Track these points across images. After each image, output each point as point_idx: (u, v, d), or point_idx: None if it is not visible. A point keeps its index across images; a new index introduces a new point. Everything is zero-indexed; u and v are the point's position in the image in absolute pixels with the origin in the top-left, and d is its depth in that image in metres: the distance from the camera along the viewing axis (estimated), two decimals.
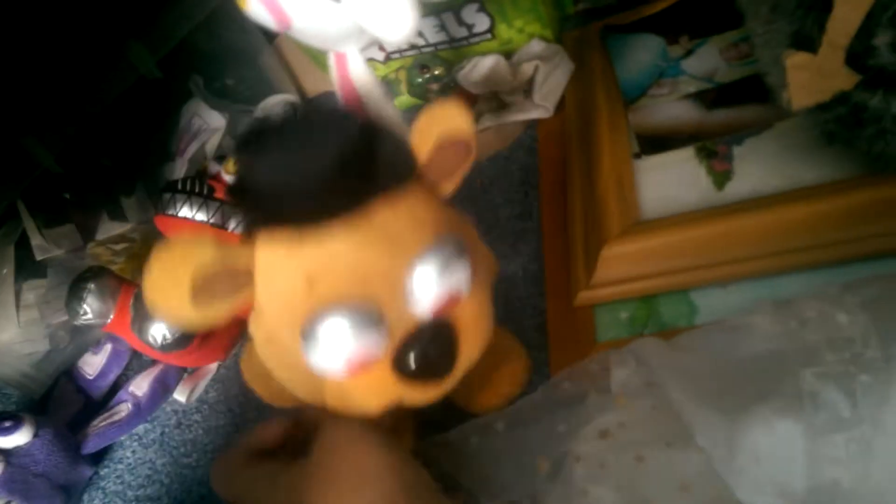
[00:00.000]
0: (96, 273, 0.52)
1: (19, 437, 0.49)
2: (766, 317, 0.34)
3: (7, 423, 0.48)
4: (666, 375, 0.32)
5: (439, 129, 0.30)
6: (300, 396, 0.34)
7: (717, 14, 0.50)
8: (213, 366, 0.56)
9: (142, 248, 0.62)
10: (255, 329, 0.33)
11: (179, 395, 0.55)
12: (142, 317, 0.50)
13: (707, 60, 0.50)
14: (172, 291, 0.27)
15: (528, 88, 0.57)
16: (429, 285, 0.29)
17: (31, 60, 0.52)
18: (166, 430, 0.55)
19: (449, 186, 0.33)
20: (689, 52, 0.51)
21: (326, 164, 0.27)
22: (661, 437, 0.31)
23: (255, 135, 0.29)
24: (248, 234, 0.30)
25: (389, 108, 0.43)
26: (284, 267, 0.29)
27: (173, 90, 0.61)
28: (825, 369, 0.28)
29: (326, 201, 0.28)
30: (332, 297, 0.28)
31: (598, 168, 0.47)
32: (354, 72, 0.39)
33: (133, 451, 0.56)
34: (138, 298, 0.50)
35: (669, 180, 0.45)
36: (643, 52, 0.54)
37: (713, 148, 0.45)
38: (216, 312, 0.29)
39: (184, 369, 0.57)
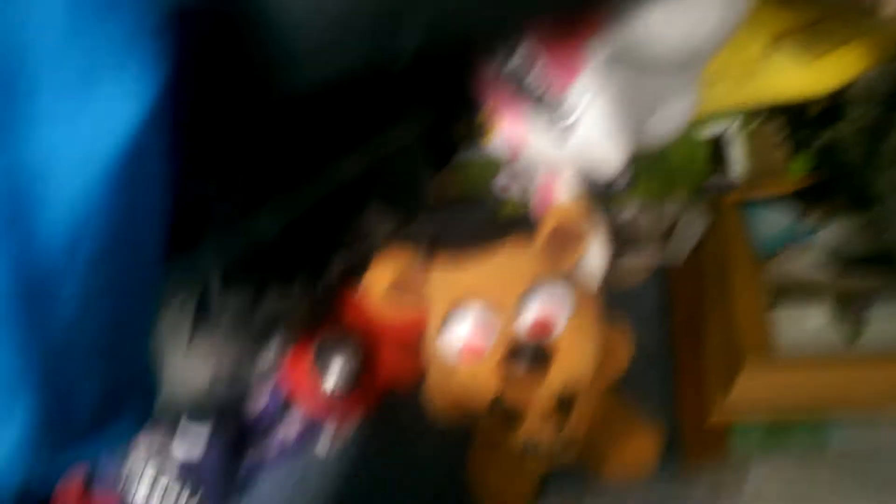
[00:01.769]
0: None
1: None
2: None
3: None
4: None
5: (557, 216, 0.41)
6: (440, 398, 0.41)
7: (848, 195, 0.58)
8: (352, 426, 0.61)
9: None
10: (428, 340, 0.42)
11: (321, 450, 0.60)
12: (322, 360, 0.56)
13: (842, 232, 0.56)
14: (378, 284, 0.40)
15: (662, 238, 0.65)
16: (530, 310, 0.38)
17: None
18: (306, 475, 0.59)
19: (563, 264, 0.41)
20: (821, 225, 0.58)
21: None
22: None
23: None
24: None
25: None
26: (442, 282, 0.40)
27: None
28: None
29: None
30: (466, 299, 0.39)
31: (735, 307, 0.52)
32: (557, 191, 0.48)
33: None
34: (324, 338, 0.57)
35: (802, 332, 0.50)
36: (776, 219, 0.61)
37: (846, 307, 0.50)
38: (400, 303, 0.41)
39: (324, 425, 0.62)
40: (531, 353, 0.38)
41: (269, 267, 0.67)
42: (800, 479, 0.38)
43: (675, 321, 0.58)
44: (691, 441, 0.48)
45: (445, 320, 0.39)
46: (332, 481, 0.58)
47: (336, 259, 0.68)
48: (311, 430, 0.61)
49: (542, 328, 0.39)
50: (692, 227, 0.64)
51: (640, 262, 0.64)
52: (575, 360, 0.39)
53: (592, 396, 0.47)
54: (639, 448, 0.45)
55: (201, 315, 0.66)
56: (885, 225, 0.54)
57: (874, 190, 0.54)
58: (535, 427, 0.45)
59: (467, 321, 0.38)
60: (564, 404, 0.44)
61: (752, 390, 0.46)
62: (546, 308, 0.38)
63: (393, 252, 0.41)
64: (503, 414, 0.43)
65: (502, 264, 0.39)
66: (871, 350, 0.46)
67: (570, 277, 0.41)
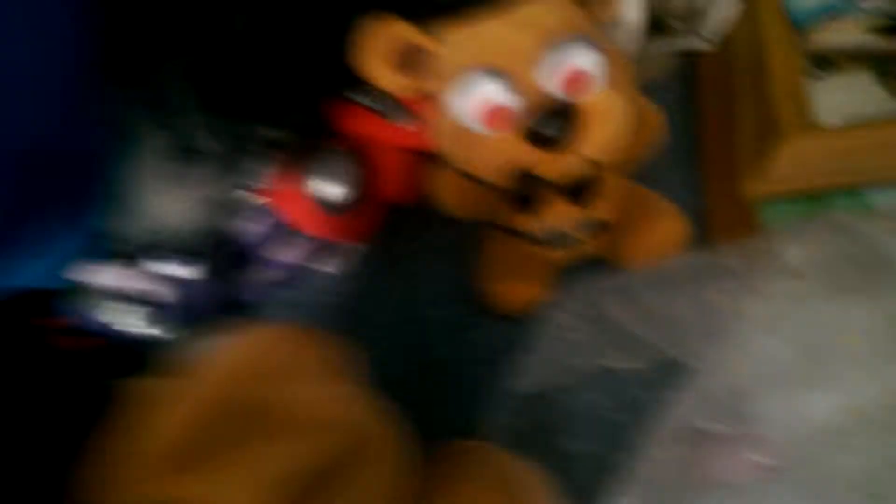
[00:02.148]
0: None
1: (193, 272, 0.54)
2: None
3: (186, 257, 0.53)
4: (863, 229, 0.34)
5: None
6: (459, 164, 0.39)
7: None
8: (360, 246, 0.60)
9: None
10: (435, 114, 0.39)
11: (330, 268, 0.59)
12: (315, 171, 0.53)
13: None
14: (378, 61, 0.36)
15: (689, 18, 0.59)
16: (559, 64, 0.34)
17: None
18: (314, 297, 0.59)
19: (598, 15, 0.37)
20: None
21: None
22: (857, 277, 0.32)
23: None
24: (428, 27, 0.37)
25: None
26: (452, 44, 0.36)
27: None
28: None
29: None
30: (481, 62, 0.35)
31: (771, 81, 0.48)
32: None
33: (279, 314, 0.60)
34: (311, 156, 0.54)
35: (847, 99, 0.46)
36: None
37: (890, 70, 0.46)
38: (408, 82, 0.37)
39: (331, 245, 0.61)
40: (563, 113, 0.35)
41: (258, 103, 0.62)
42: (842, 241, 0.36)
43: (703, 110, 0.55)
44: (721, 223, 0.46)
45: (465, 81, 0.35)
46: (342, 300, 0.57)
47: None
48: (316, 252, 0.59)
49: (575, 83, 0.35)
50: (725, 7, 0.58)
51: (669, 48, 0.59)
52: (610, 123, 0.36)
53: (620, 177, 0.45)
54: (666, 232, 0.44)
55: (186, 147, 0.63)
56: None
57: None
58: (560, 210, 0.43)
59: (491, 79, 0.34)
60: (591, 183, 0.42)
61: (790, 161, 0.44)
62: (579, 61, 0.34)
63: (387, 22, 0.36)
64: (526, 194, 0.41)
65: (529, 15, 0.34)
66: None
67: (605, 31, 0.36)
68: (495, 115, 0.35)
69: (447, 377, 0.46)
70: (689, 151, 0.53)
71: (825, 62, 0.49)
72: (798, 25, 0.53)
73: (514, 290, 0.45)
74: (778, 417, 0.32)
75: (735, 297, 0.37)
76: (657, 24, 0.61)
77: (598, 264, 0.46)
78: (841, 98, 0.46)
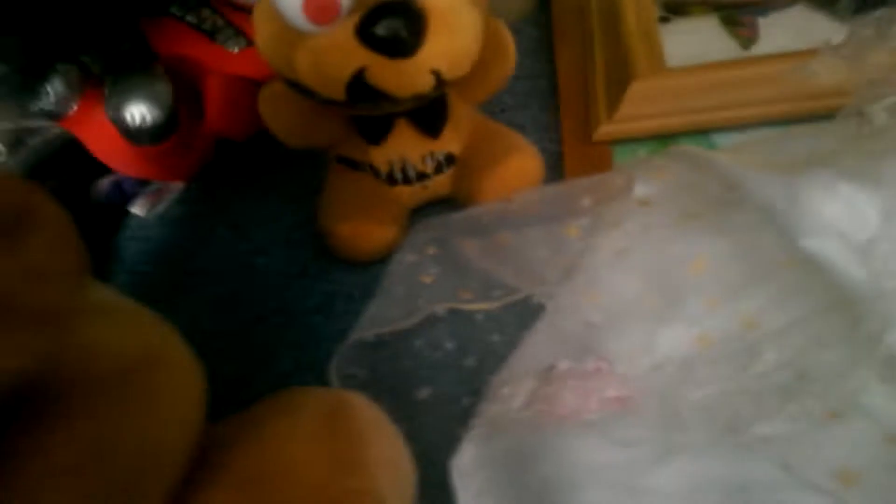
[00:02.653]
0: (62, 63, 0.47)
1: None
2: (801, 130, 0.35)
3: None
4: (711, 157, 0.32)
5: None
6: (286, 73, 0.33)
7: None
8: (177, 185, 0.52)
9: None
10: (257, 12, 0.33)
11: (139, 209, 0.50)
12: (120, 94, 0.45)
13: None
14: None
15: None
16: None
17: None
18: (121, 240, 0.50)
19: None
20: None
21: None
22: (705, 205, 0.31)
23: None
24: None
25: None
26: None
27: None
28: (886, 142, 0.28)
29: None
30: None
31: (623, 24, 0.47)
32: None
33: None
34: (117, 78, 0.45)
35: (694, 42, 0.46)
36: None
37: (738, 17, 0.46)
38: None
39: (144, 183, 0.52)
40: (402, 11, 0.30)
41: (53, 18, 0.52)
42: (688, 171, 0.35)
43: (559, 53, 0.52)
44: (575, 164, 0.44)
45: None
46: (159, 247, 0.49)
47: None
48: (119, 189, 0.50)
49: None
50: None
51: None
52: (456, 32, 0.32)
53: (471, 107, 0.41)
54: (519, 169, 0.40)
55: None
56: None
57: None
58: (406, 138, 0.38)
59: None
60: (439, 108, 0.38)
61: (642, 101, 0.42)
62: None
63: None
64: (364, 110, 0.35)
65: None
66: (759, 55, 0.43)
67: None
68: (321, 6, 0.30)
69: (284, 329, 0.40)
70: (545, 94, 0.50)
71: (676, 7, 0.49)
72: None
73: (358, 232, 0.39)
74: (628, 351, 0.29)
75: (587, 231, 0.35)
76: None
77: (448, 207, 0.42)
78: (689, 42, 0.46)
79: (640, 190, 0.35)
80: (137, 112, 0.45)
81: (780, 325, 0.27)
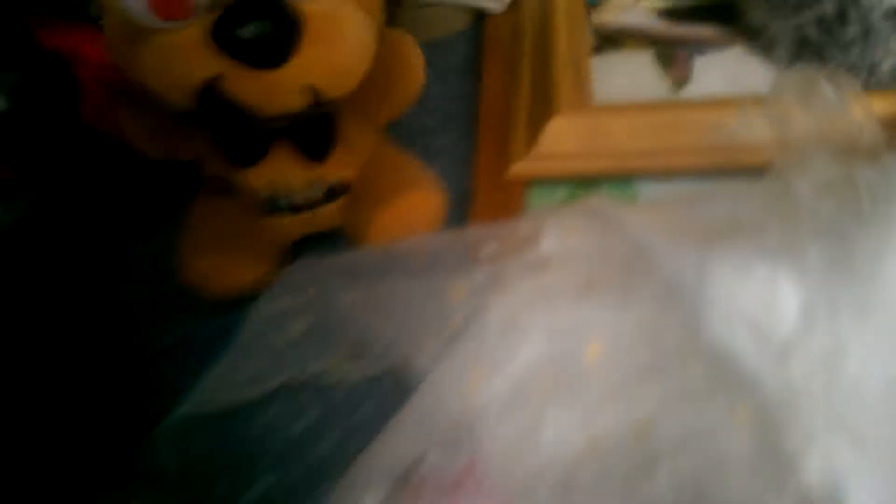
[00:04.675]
0: None
1: None
2: (723, 190, 0.31)
3: None
4: (621, 219, 0.28)
5: None
6: (134, 75, 0.28)
7: None
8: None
9: None
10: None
11: None
12: None
13: None
14: None
15: None
16: None
17: None
18: None
19: None
20: None
21: None
22: (611, 273, 0.27)
23: None
24: None
25: None
26: None
27: None
28: (812, 222, 0.24)
29: None
30: None
31: (553, 52, 0.43)
32: None
33: None
34: None
35: (625, 78, 0.42)
36: None
37: (672, 55, 0.42)
38: None
39: None
40: (268, 12, 0.24)
41: None
42: (598, 232, 0.30)
43: (486, 76, 0.48)
44: (485, 202, 0.39)
45: None
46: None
47: None
48: None
49: None
50: None
51: (458, 5, 0.52)
52: (337, 41, 0.27)
53: (367, 129, 0.36)
54: (417, 206, 0.36)
55: None
56: None
57: None
58: (284, 161, 0.33)
59: None
60: (323, 128, 0.32)
61: (563, 139, 0.38)
62: None
63: None
64: (234, 137, 0.30)
65: None
66: (689, 99, 0.39)
67: None
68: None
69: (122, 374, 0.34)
70: (468, 119, 0.46)
71: (610, 39, 0.45)
72: (590, 0, 0.49)
73: (219, 268, 0.34)
74: (508, 445, 0.25)
75: (479, 291, 0.30)
76: None
77: (335, 239, 0.37)
78: (619, 77, 0.42)
79: (547, 245, 0.30)
80: None
81: (679, 434, 0.23)
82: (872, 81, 0.35)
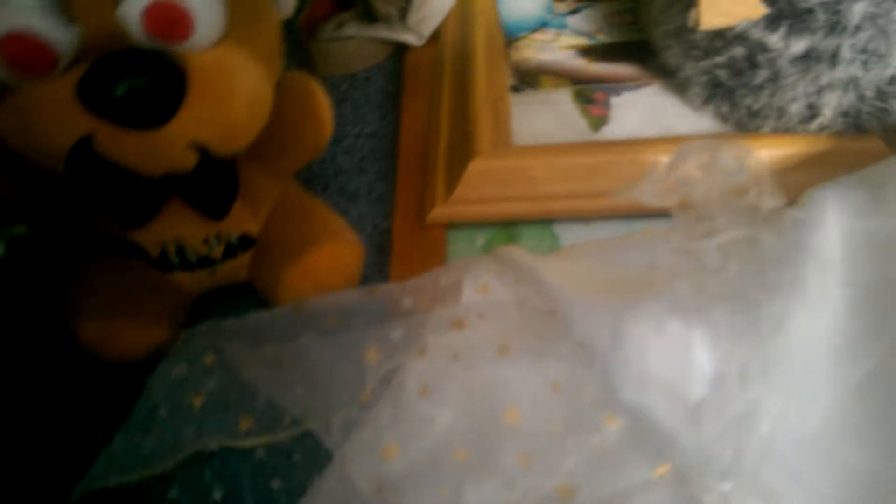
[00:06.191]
0: None
1: None
2: (638, 239, 0.31)
3: None
4: (537, 274, 0.27)
5: None
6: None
7: None
8: None
9: None
10: None
11: None
12: None
13: (591, 20, 0.49)
14: None
15: (403, 8, 0.51)
16: None
17: None
18: None
19: None
20: (574, 11, 0.50)
21: None
22: (527, 331, 0.26)
23: None
24: None
25: None
26: None
27: None
28: (718, 284, 0.24)
29: None
30: None
31: (473, 91, 0.42)
32: None
33: None
34: None
35: (545, 117, 0.42)
36: (526, 3, 0.51)
37: (591, 94, 0.42)
38: None
39: None
40: (143, 65, 0.22)
41: None
42: (513, 285, 0.29)
43: (404, 113, 0.47)
44: (404, 248, 0.37)
45: None
46: None
47: None
48: None
49: (166, 21, 0.23)
50: (435, 3, 0.52)
51: (376, 35, 0.51)
52: (227, 96, 0.24)
53: (273, 179, 0.34)
54: (332, 258, 0.33)
55: None
56: (638, 12, 0.47)
57: None
58: (178, 216, 0.30)
59: None
60: (220, 181, 0.30)
61: (482, 181, 0.37)
62: None
63: None
64: (113, 197, 0.27)
65: None
66: (608, 140, 0.39)
67: None
68: (24, 49, 0.22)
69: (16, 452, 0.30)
70: (386, 158, 0.44)
71: (528, 76, 0.45)
72: (510, 36, 0.49)
73: (113, 334, 0.30)
74: None
75: (394, 351, 0.28)
76: (367, 9, 0.53)
77: (244, 294, 0.34)
78: (538, 116, 0.41)
79: (465, 300, 0.29)
80: None
81: (602, 496, 0.22)
82: (781, 124, 0.35)
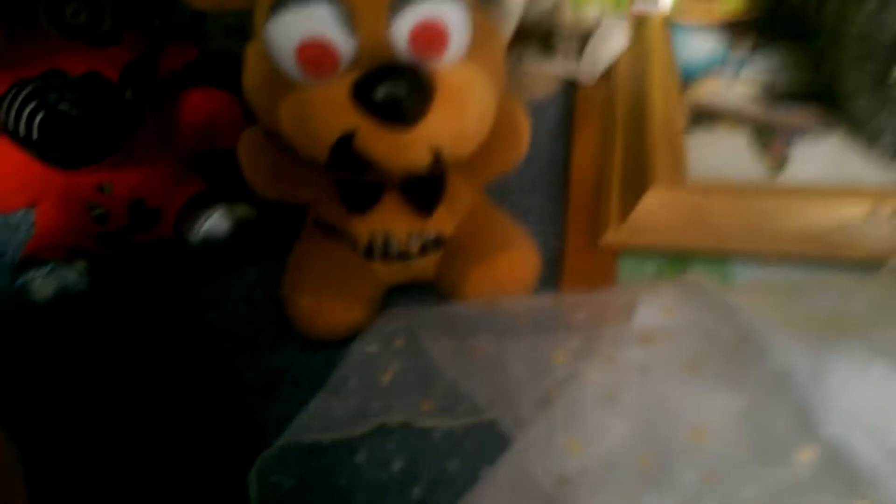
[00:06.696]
0: None
1: None
2: (829, 284, 0.31)
3: None
4: (728, 302, 0.28)
5: None
6: (268, 123, 0.30)
7: (785, 26, 0.50)
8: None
9: None
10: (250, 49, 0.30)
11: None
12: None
13: (770, 63, 0.49)
14: None
15: (580, 47, 0.54)
16: (412, 12, 0.26)
17: None
18: None
19: None
20: (752, 54, 0.50)
21: None
22: (717, 355, 0.26)
23: None
24: None
25: None
26: None
27: None
28: None
29: None
30: None
31: (649, 125, 0.44)
32: None
33: None
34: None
35: (721, 157, 0.42)
36: (705, 43, 0.52)
37: (769, 138, 0.43)
38: None
39: None
40: (406, 76, 0.26)
41: None
42: (701, 310, 0.30)
43: (577, 143, 0.49)
44: (575, 267, 0.39)
45: (274, 7, 0.26)
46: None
47: None
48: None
49: (426, 39, 0.27)
50: (612, 42, 0.54)
51: (552, 71, 0.54)
52: (464, 105, 0.28)
53: (471, 187, 0.37)
54: (512, 266, 0.36)
55: None
56: (823, 59, 0.47)
57: (815, 22, 0.46)
58: (392, 212, 0.34)
59: (325, 3, 0.25)
60: (434, 184, 0.34)
61: (658, 212, 0.38)
62: (436, 12, 0.26)
63: None
64: (347, 175, 0.31)
65: None
66: (792, 185, 0.39)
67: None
68: (316, 54, 0.26)
69: (217, 407, 0.35)
70: (556, 182, 0.47)
71: (704, 118, 0.46)
72: (685, 77, 0.50)
73: (322, 308, 0.34)
74: None
75: (576, 357, 0.30)
76: (545, 44, 0.56)
77: (428, 291, 0.37)
78: (714, 156, 0.42)
79: (643, 319, 0.30)
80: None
81: None
82: None
